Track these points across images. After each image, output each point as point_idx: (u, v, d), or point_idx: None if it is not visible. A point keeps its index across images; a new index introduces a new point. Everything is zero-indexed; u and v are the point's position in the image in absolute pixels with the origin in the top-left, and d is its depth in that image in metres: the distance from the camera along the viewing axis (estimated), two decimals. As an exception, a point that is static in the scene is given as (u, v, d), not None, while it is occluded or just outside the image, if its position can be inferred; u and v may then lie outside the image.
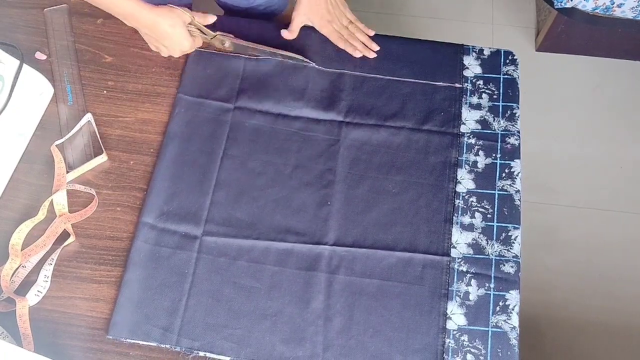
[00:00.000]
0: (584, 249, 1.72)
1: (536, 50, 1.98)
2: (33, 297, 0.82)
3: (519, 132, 0.95)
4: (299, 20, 1.00)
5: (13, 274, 0.84)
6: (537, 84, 1.89)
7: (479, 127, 0.95)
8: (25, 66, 0.92)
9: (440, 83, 0.98)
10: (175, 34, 0.93)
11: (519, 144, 0.94)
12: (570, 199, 1.78)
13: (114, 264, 0.86)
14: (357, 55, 1.00)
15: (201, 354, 0.81)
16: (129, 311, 0.82)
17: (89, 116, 0.93)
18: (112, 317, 0.82)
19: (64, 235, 0.87)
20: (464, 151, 0.93)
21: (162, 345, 0.81)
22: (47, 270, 0.84)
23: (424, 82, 0.98)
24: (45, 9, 1.03)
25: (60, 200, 0.88)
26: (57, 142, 0.91)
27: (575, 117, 1.89)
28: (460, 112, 0.96)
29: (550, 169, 1.81)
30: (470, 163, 0.93)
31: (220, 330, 0.81)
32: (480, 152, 0.93)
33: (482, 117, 0.96)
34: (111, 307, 0.83)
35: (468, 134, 0.95)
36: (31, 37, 1.01)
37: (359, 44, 1.00)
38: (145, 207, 0.88)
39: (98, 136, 0.93)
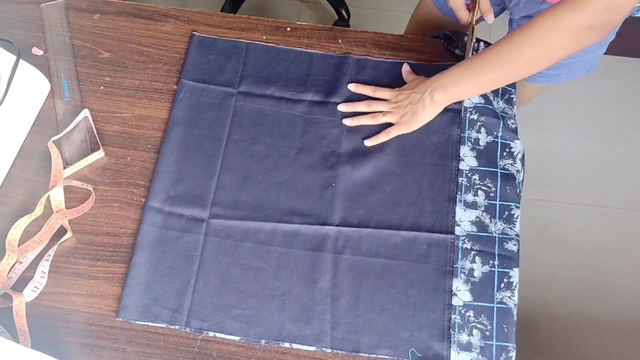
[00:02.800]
0: (581, 245, 1.73)
1: (533, 47, 1.98)
2: (30, 293, 0.82)
3: (515, 116, 0.96)
4: None
5: (10, 270, 0.84)
6: (534, 80, 1.90)
7: (482, 100, 0.96)
8: (21, 62, 0.91)
9: (442, 62, 0.99)
10: None
11: (516, 127, 0.95)
12: (567, 196, 1.79)
13: (111, 259, 0.86)
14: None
15: (210, 334, 0.82)
16: (138, 294, 0.83)
17: (85, 112, 0.93)
18: (121, 300, 0.82)
19: (61, 231, 0.87)
20: (466, 128, 0.94)
21: (171, 327, 0.82)
22: (44, 266, 0.84)
23: (425, 62, 0.99)
24: (42, 4, 1.03)
25: (57, 196, 0.88)
26: (54, 138, 0.90)
27: (572, 114, 1.90)
28: None
29: (547, 165, 1.82)
30: (472, 140, 0.93)
31: (229, 311, 0.83)
32: (482, 129, 0.94)
33: (482, 95, 0.97)
34: (108, 302, 0.83)
35: (470, 109, 0.95)
36: (28, 33, 1.01)
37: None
38: (151, 191, 0.89)
39: (95, 132, 0.93)
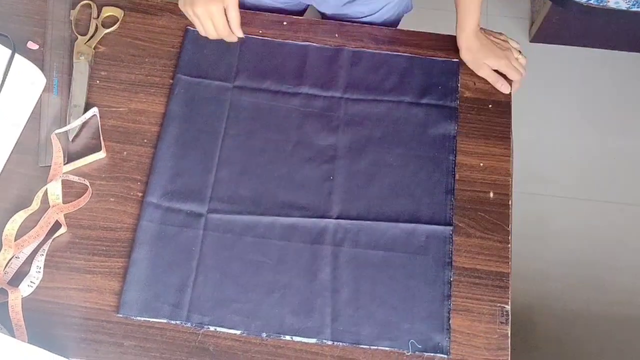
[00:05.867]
0: (576, 239, 1.73)
1: (530, 41, 1.98)
2: (26, 288, 0.82)
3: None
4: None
5: (6, 264, 0.84)
6: (531, 74, 1.88)
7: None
8: (17, 56, 0.91)
9: (439, 57, 0.99)
10: None
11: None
12: (563, 190, 1.79)
13: (108, 254, 0.86)
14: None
15: (211, 328, 0.82)
16: (138, 290, 0.83)
17: (95, 110, 0.93)
18: (121, 296, 0.82)
19: (58, 226, 0.87)
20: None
21: (172, 322, 0.82)
22: (39, 261, 0.84)
23: (422, 56, 0.99)
24: (46, -2, 1.02)
25: (54, 190, 0.88)
26: (58, 131, 0.90)
27: (569, 108, 1.90)
28: (458, 85, 0.97)
29: (543, 159, 1.82)
30: None
31: (230, 305, 0.83)
32: None
33: None
34: (105, 297, 0.83)
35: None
36: (23, 27, 1.00)
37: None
38: (148, 187, 0.89)
39: (100, 131, 0.92)
